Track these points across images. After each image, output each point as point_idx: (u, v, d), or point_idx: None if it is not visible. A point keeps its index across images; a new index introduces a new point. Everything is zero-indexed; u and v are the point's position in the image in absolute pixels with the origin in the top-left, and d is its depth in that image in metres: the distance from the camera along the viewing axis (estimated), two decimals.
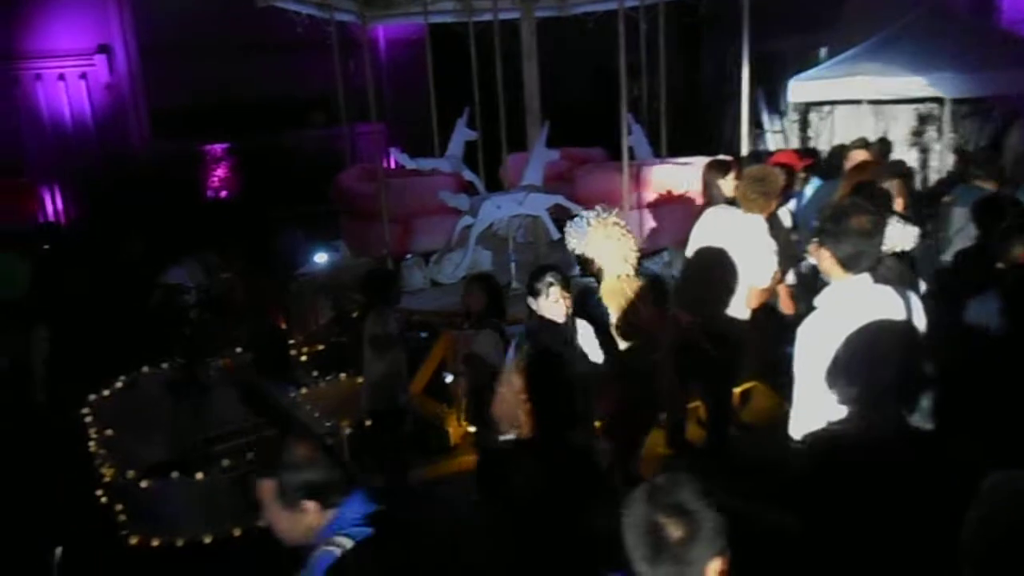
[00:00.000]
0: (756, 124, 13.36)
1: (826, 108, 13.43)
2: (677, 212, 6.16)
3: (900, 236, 3.82)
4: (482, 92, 8.03)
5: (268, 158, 11.32)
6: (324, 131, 12.05)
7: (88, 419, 5.76)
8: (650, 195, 6.07)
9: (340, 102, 7.60)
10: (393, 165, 10.21)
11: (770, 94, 14.34)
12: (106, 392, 6.13)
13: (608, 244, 4.35)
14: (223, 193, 11.40)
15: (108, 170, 11.07)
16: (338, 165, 11.83)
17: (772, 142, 13.43)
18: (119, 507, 4.96)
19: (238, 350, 6.38)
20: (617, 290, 4.36)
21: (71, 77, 11.78)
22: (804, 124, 13.98)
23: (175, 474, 4.82)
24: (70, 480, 5.42)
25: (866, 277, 2.98)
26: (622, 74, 6.15)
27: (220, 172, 11.29)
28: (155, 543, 4.80)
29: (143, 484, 4.77)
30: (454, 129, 7.89)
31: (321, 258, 7.67)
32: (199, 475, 4.76)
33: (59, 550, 4.80)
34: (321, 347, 7.03)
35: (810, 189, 6.07)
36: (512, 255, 6.16)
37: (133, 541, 4.82)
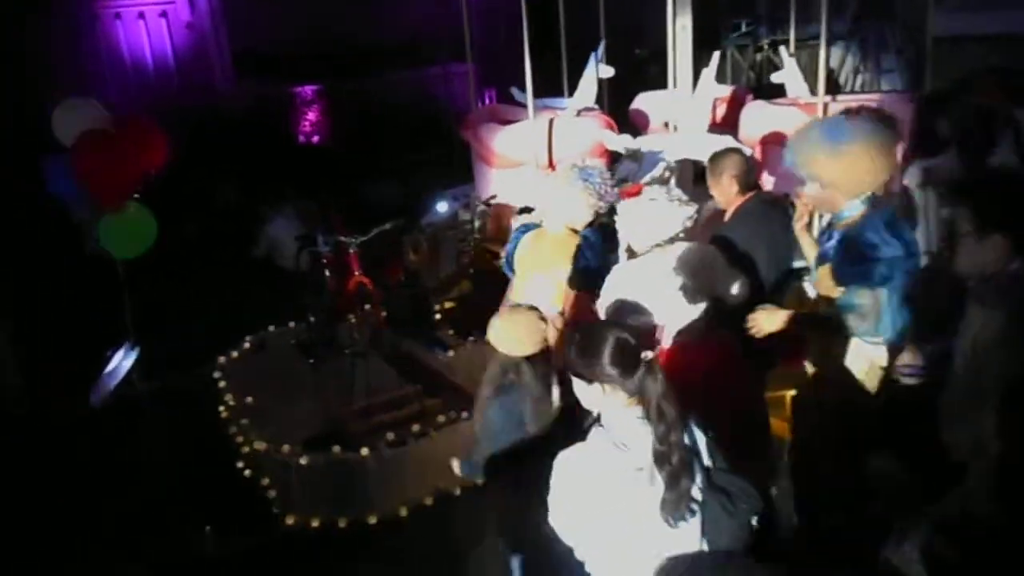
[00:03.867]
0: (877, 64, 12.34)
1: (946, 46, 12.38)
2: None
3: None
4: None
5: (359, 101, 10.67)
6: (414, 73, 11.35)
7: (221, 383, 5.32)
8: None
9: (467, 39, 6.94)
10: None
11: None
12: (235, 353, 5.67)
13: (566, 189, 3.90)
14: (315, 139, 10.81)
15: (192, 113, 10.54)
16: (432, 108, 11.23)
17: (886, 83, 12.44)
18: (268, 483, 4.51)
19: (369, 307, 5.85)
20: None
21: (151, 16, 11.20)
22: (920, 63, 12.93)
23: (336, 449, 4.32)
24: (207, 450, 4.99)
25: None
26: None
27: (311, 116, 10.68)
28: (314, 524, 4.34)
29: (302, 460, 4.28)
30: (586, 65, 7.19)
31: (443, 207, 7.06)
32: (364, 451, 4.26)
33: (208, 529, 4.43)
34: (451, 304, 6.48)
35: None
36: None
37: (289, 521, 4.37)
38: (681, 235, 3.59)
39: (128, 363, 4.23)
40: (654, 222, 3.55)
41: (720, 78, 7.41)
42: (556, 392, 3.11)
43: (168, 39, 11.32)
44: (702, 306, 3.44)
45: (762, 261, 3.79)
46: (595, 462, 2.21)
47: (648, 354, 2.23)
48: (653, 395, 2.18)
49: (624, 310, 3.38)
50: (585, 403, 2.34)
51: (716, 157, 3.99)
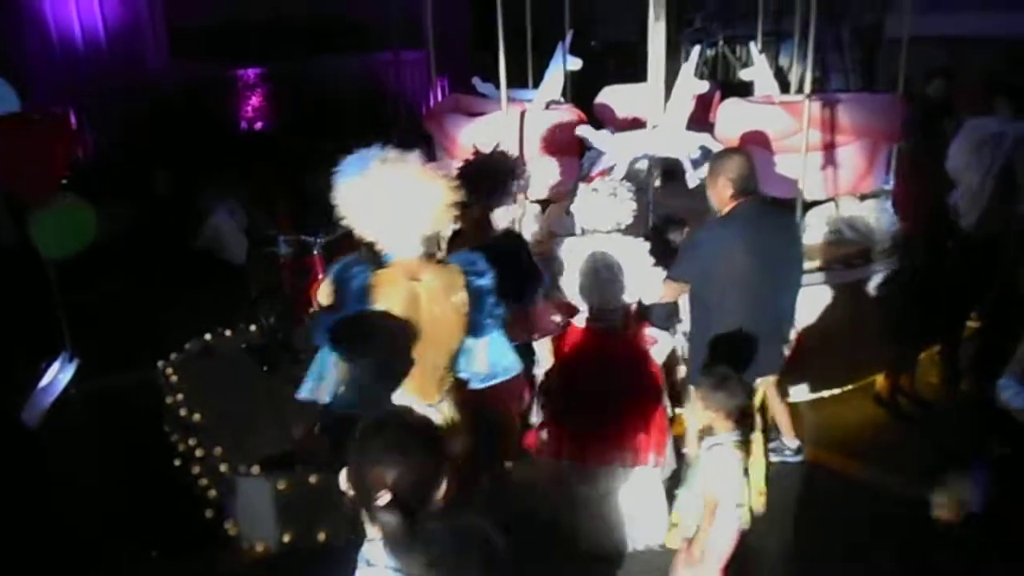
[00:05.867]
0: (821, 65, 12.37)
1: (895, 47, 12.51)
2: (856, 155, 5.31)
3: None
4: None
5: (305, 86, 10.13)
6: (363, 58, 10.86)
7: (164, 391, 4.87)
8: (824, 135, 5.19)
9: (427, 22, 6.58)
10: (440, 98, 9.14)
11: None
12: (177, 358, 5.21)
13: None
14: (258, 124, 10.23)
15: (126, 95, 9.87)
16: (383, 95, 10.75)
17: (836, 82, 12.48)
18: (228, 508, 4.10)
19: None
20: None
21: None
22: (870, 61, 13.02)
23: (313, 478, 3.91)
24: (150, 466, 4.57)
25: None
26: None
27: (254, 100, 10.09)
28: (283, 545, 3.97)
29: (280, 485, 3.88)
30: (553, 55, 6.90)
31: None
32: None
33: (154, 554, 4.04)
34: None
35: None
36: (651, 203, 5.15)
37: (259, 549, 3.99)
38: (621, 228, 3.73)
39: (65, 377, 3.75)
40: (587, 212, 3.76)
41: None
42: None
43: (99, 14, 10.56)
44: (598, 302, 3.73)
45: (736, 264, 3.68)
46: None
47: (381, 499, 1.71)
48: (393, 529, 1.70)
49: None
50: None
51: (717, 157, 3.78)
